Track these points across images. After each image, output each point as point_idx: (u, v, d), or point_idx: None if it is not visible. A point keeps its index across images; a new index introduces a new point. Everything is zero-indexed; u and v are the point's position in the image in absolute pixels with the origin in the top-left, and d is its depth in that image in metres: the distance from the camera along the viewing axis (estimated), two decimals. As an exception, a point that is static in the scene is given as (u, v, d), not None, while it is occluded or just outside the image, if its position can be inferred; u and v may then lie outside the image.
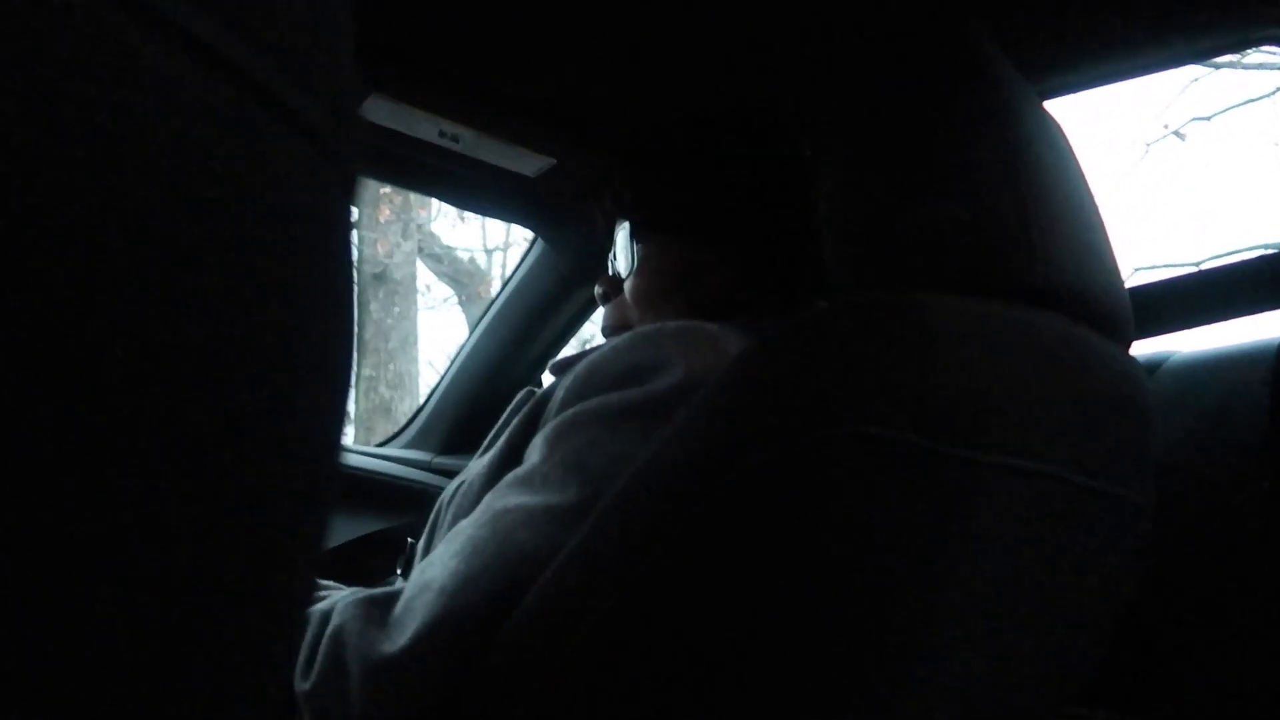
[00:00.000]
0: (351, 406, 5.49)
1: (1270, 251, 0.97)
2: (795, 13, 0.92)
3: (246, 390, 0.20)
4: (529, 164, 1.28)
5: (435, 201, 6.08)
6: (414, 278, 5.66)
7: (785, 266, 0.95)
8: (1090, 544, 0.67)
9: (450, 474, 1.72)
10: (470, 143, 1.21)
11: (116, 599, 0.17)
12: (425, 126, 1.16)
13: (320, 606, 0.73)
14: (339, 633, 0.68)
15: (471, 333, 1.76)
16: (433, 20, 0.96)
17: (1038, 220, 0.63)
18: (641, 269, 0.98)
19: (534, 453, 0.75)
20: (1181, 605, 0.90)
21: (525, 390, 0.96)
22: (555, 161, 1.27)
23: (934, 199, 0.64)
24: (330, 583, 0.89)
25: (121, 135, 0.15)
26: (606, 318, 1.03)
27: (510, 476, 0.75)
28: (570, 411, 0.75)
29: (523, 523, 0.70)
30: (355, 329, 0.26)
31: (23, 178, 0.14)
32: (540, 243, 1.58)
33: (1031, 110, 0.69)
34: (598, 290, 1.05)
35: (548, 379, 1.03)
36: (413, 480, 1.65)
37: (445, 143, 1.20)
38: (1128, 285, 0.74)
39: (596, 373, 0.77)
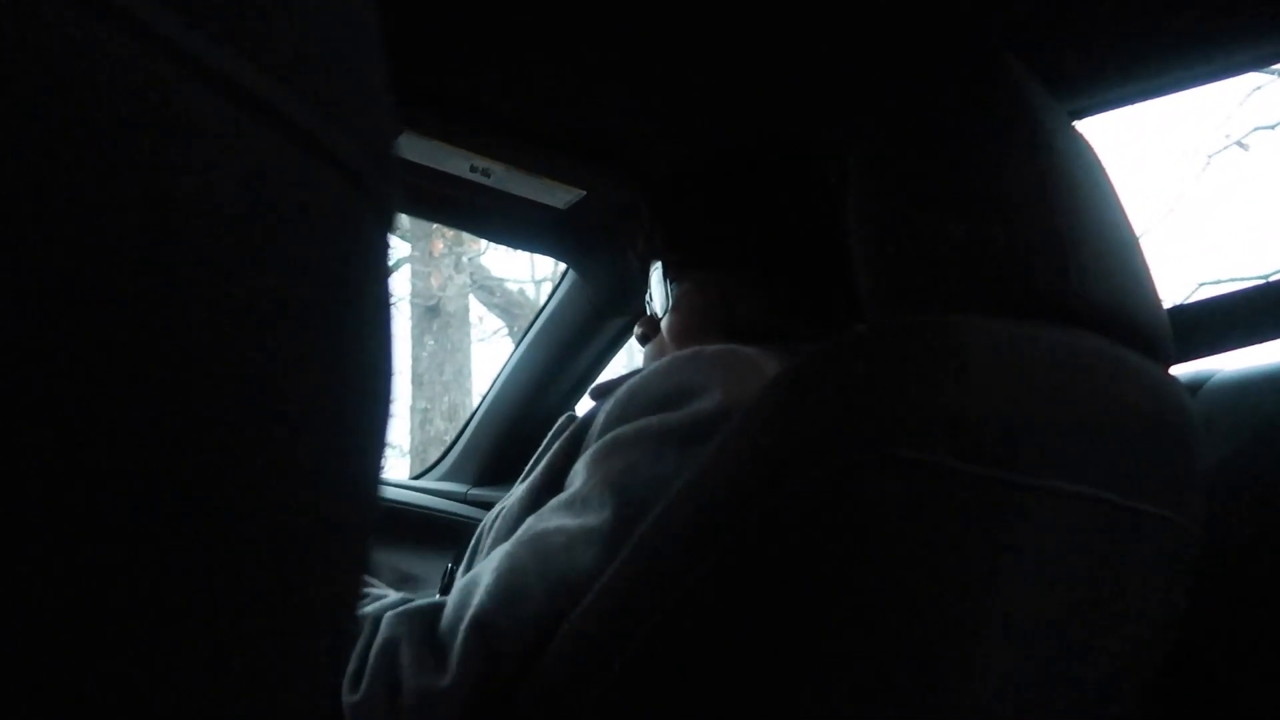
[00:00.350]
0: (406, 438, 5.54)
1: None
2: (826, 41, 0.93)
3: (288, 427, 0.20)
4: (559, 196, 1.29)
5: None
6: (466, 310, 5.72)
7: (819, 293, 0.95)
8: (1135, 566, 0.66)
9: (486, 505, 1.72)
10: (501, 177, 1.22)
11: (159, 631, 0.17)
12: (456, 162, 1.18)
13: (368, 610, 0.73)
14: (390, 649, 0.69)
15: (505, 365, 1.77)
16: (462, 59, 0.98)
17: (1070, 240, 0.63)
18: (677, 306, 0.99)
19: (575, 478, 0.77)
20: (1233, 629, 0.88)
21: (566, 416, 0.99)
22: (585, 193, 1.28)
23: (966, 221, 0.64)
24: (375, 582, 0.90)
25: (167, 182, 0.16)
26: (647, 357, 1.05)
27: (553, 501, 0.76)
28: (610, 435, 0.77)
29: (563, 545, 0.70)
30: (394, 365, 0.26)
31: (74, 230, 0.15)
32: (571, 274, 1.59)
33: (1062, 131, 0.69)
34: (637, 331, 1.06)
35: (587, 405, 1.04)
36: (449, 512, 1.66)
37: (476, 177, 1.22)
38: (1185, 302, 0.73)
39: (636, 396, 0.79)
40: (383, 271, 0.24)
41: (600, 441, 0.77)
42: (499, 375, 1.78)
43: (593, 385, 0.99)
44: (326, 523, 0.23)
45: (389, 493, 1.64)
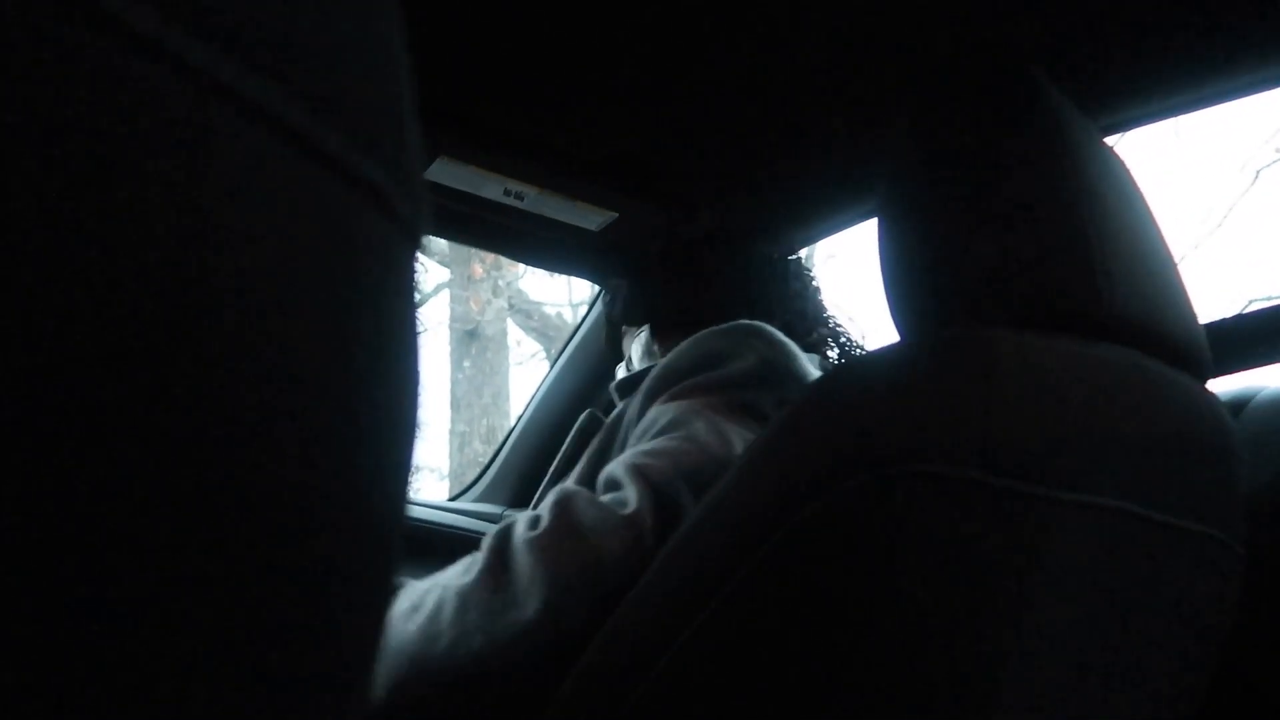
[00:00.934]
0: (445, 461, 5.58)
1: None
2: (856, 59, 0.93)
3: (314, 449, 0.20)
4: (592, 218, 1.30)
5: None
6: (505, 334, 5.79)
7: None
8: (1175, 583, 0.64)
9: (522, 526, 1.72)
10: (534, 200, 1.24)
11: (172, 661, 0.18)
12: (491, 186, 1.20)
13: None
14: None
15: (539, 386, 1.78)
16: (495, 86, 0.99)
17: (1101, 254, 0.62)
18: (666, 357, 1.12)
19: (641, 437, 0.85)
20: (1273, 651, 0.86)
21: (587, 413, 1.09)
22: (617, 215, 1.29)
23: (997, 236, 0.64)
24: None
25: (196, 209, 0.17)
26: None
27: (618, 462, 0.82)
28: (657, 402, 0.87)
29: (697, 442, 0.79)
30: (421, 389, 0.27)
31: (100, 254, 0.15)
32: (605, 295, 1.60)
33: (1092, 146, 0.69)
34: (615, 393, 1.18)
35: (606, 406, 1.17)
36: (485, 534, 1.66)
37: (510, 201, 1.23)
38: (1222, 317, 0.72)
39: (670, 368, 0.90)
40: (411, 296, 0.25)
41: (649, 413, 0.86)
42: (534, 396, 1.79)
43: (615, 382, 1.09)
44: (352, 545, 0.23)
45: (423, 514, 1.65)
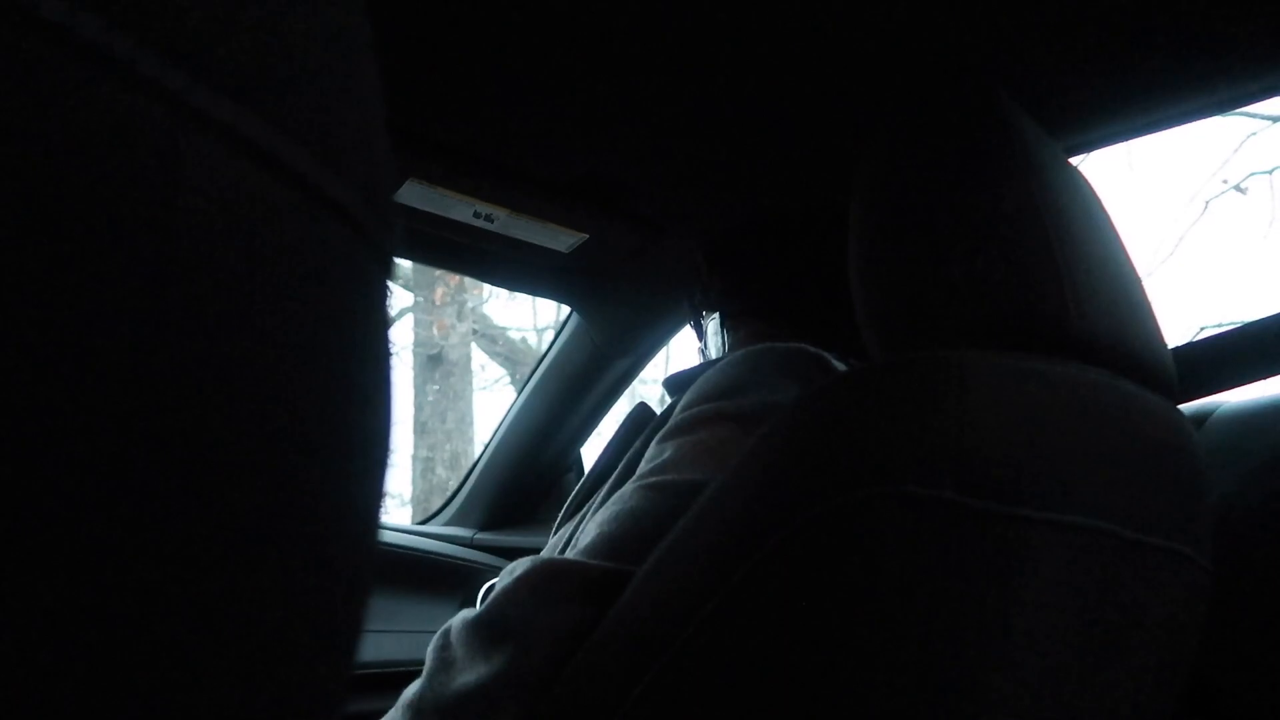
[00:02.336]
0: (408, 487, 5.54)
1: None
2: (823, 82, 0.94)
3: (284, 471, 0.20)
4: (562, 240, 1.31)
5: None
6: (469, 359, 5.77)
7: (851, 340, 1.06)
8: (1148, 600, 0.65)
9: (493, 550, 1.71)
10: (504, 222, 1.24)
11: (148, 680, 0.17)
12: (460, 208, 1.19)
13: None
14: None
15: (510, 409, 1.77)
16: (463, 107, 0.99)
17: (1069, 273, 0.63)
18: (734, 350, 1.09)
19: (659, 455, 0.83)
20: (1243, 661, 0.87)
21: (640, 404, 1.05)
22: (588, 237, 1.29)
23: (965, 257, 0.65)
24: None
25: (165, 229, 0.16)
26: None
27: (639, 474, 0.82)
28: (687, 414, 0.84)
29: (673, 491, 0.77)
30: (394, 411, 0.27)
31: (67, 269, 0.15)
32: (575, 317, 1.60)
33: (1057, 166, 0.70)
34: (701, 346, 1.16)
35: (645, 399, 1.16)
36: (454, 557, 1.65)
37: (480, 223, 1.23)
38: (1187, 342, 0.74)
39: (711, 383, 0.87)
40: (383, 318, 0.24)
41: (677, 421, 0.84)
42: (504, 419, 1.78)
43: (666, 378, 1.05)
44: (322, 568, 0.23)
45: (392, 538, 1.63)
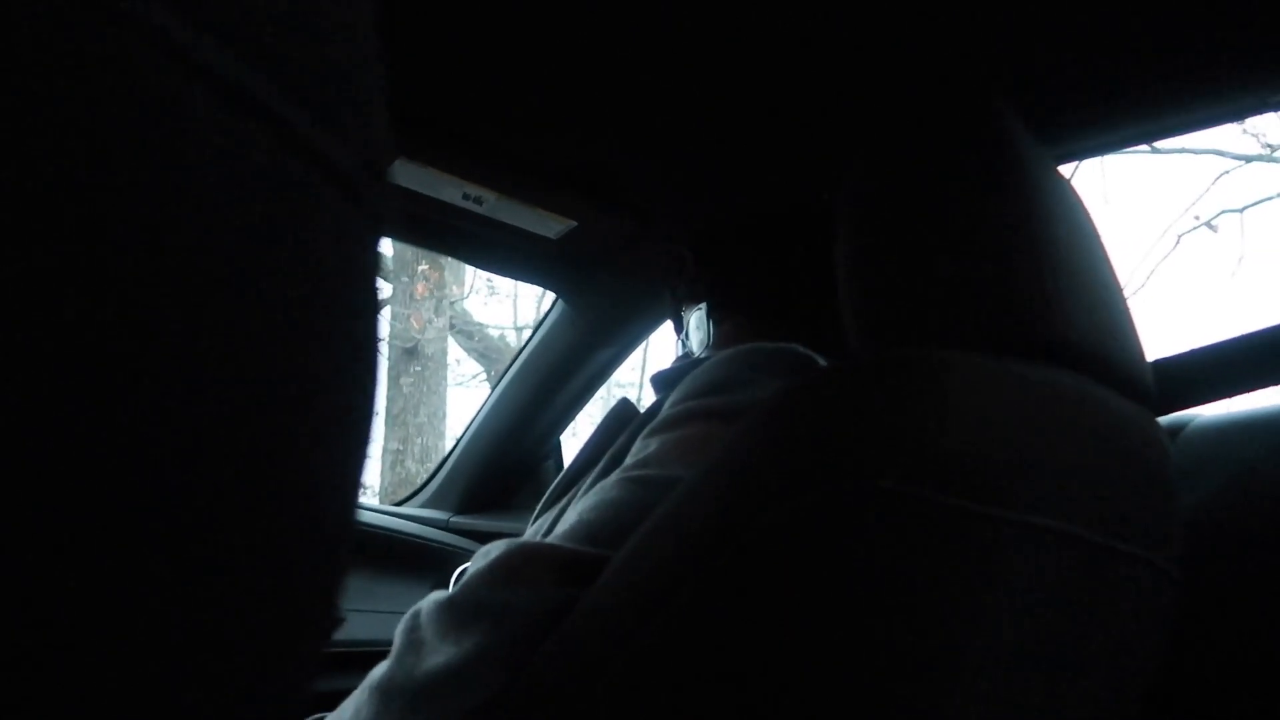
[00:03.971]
0: (377, 479, 5.54)
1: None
2: (818, 81, 0.94)
3: (265, 438, 0.20)
4: (551, 226, 1.30)
5: (468, 279, 6.22)
6: (445, 353, 5.77)
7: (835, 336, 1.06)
8: (1115, 606, 0.66)
9: (469, 534, 1.71)
10: (493, 205, 1.23)
11: (124, 652, 0.17)
12: (449, 190, 1.19)
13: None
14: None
15: (491, 392, 1.77)
16: (456, 87, 0.99)
17: (1054, 280, 0.64)
18: (718, 344, 1.09)
19: (643, 450, 0.83)
20: (1211, 671, 0.88)
21: (623, 400, 1.06)
22: (576, 224, 1.29)
23: (951, 259, 0.65)
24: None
25: (165, 183, 0.16)
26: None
27: (622, 468, 0.82)
28: (673, 411, 0.85)
29: (652, 486, 0.77)
30: (375, 382, 0.26)
31: (61, 222, 0.15)
32: (560, 304, 1.60)
33: (1046, 175, 0.70)
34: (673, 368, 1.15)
35: (638, 395, 1.15)
36: (430, 539, 1.65)
37: (469, 205, 1.23)
38: (1166, 355, 0.74)
39: (699, 380, 0.87)
40: (373, 284, 0.24)
41: (665, 416, 0.84)
42: (485, 402, 1.78)
43: (654, 374, 1.05)
44: (301, 537, 0.23)
45: (368, 517, 1.63)
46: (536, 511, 1.00)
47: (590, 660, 0.62)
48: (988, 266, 0.64)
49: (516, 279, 1.53)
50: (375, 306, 0.25)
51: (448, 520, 1.76)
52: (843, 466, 0.56)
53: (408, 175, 1.14)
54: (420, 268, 5.36)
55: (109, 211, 0.15)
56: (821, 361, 0.93)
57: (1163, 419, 0.99)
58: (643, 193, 1.23)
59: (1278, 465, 0.89)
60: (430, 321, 5.46)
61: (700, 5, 0.82)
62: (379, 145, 0.23)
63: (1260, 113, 1.00)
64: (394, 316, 5.61)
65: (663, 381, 1.02)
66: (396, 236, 1.46)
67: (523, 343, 1.73)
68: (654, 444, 0.82)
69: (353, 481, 0.26)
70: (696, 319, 1.12)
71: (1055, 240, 0.66)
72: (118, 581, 0.17)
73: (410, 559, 1.58)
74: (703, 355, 1.02)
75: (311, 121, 0.20)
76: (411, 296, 5.46)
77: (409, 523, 1.68)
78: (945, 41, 0.86)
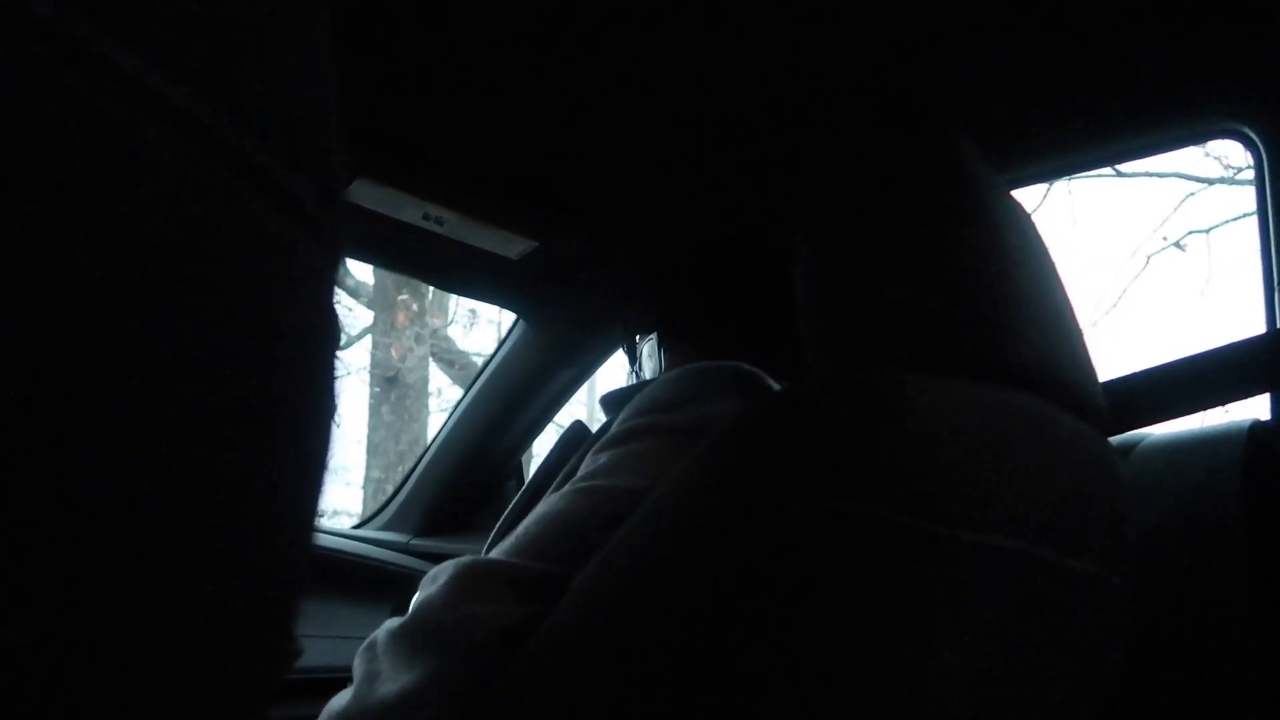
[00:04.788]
0: (359, 507, 5.50)
1: (1242, 339, 0.98)
2: (776, 107, 0.95)
3: (222, 461, 0.20)
4: (512, 246, 1.30)
5: (451, 307, 6.22)
6: (426, 381, 5.77)
7: (786, 365, 1.07)
8: (1069, 624, 0.67)
9: (430, 556, 1.69)
10: (454, 226, 1.23)
11: (87, 666, 0.17)
12: (410, 210, 1.18)
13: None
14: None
15: (451, 414, 1.75)
16: (417, 107, 0.99)
17: (1007, 303, 0.65)
18: (673, 349, 1.10)
19: (593, 463, 0.83)
20: (1161, 686, 0.90)
21: (576, 423, 1.05)
22: (538, 244, 1.29)
23: (907, 283, 0.66)
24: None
25: (118, 215, 0.16)
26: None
27: (575, 479, 0.83)
28: (623, 427, 0.84)
29: (601, 497, 0.77)
30: (334, 404, 0.26)
31: (16, 254, 0.15)
32: (521, 324, 1.59)
33: (1000, 199, 0.72)
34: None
35: (583, 418, 1.15)
36: (389, 562, 1.63)
37: (429, 225, 1.22)
38: (1115, 376, 0.76)
39: (649, 397, 0.87)
40: (330, 311, 0.24)
41: (615, 432, 0.84)
42: (445, 424, 1.76)
43: (603, 395, 1.05)
44: (256, 560, 0.23)
45: (326, 541, 1.60)
46: (492, 537, 0.99)
47: (552, 684, 0.62)
48: (943, 290, 0.65)
49: (477, 299, 1.52)
50: (333, 332, 0.25)
51: (408, 543, 1.74)
52: (800, 487, 0.56)
53: (368, 195, 1.14)
54: (400, 297, 5.38)
55: (63, 243, 0.15)
56: (769, 379, 0.94)
57: (1114, 439, 1.01)
58: (604, 214, 1.24)
59: (1224, 483, 0.91)
60: (411, 350, 5.47)
61: (659, 32, 0.83)
62: (335, 173, 0.23)
63: (1198, 143, 1.04)
64: (375, 345, 5.62)
65: (612, 402, 1.02)
66: (357, 257, 1.45)
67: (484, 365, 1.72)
68: (603, 458, 0.82)
69: (310, 505, 0.25)
70: (649, 348, 1.12)
71: (1009, 263, 0.67)
72: (67, 603, 0.17)
73: (370, 583, 1.56)
74: (654, 377, 1.02)
75: (267, 151, 0.20)
76: (393, 326, 5.47)
77: (368, 546, 1.66)
78: (901, 70, 0.88)
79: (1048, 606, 0.64)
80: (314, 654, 1.40)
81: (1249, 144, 0.96)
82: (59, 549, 0.16)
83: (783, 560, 0.56)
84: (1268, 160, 0.93)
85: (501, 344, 1.67)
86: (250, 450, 0.21)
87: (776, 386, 0.93)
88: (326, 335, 0.24)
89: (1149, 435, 1.03)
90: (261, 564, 0.22)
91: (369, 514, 1.88)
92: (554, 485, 0.91)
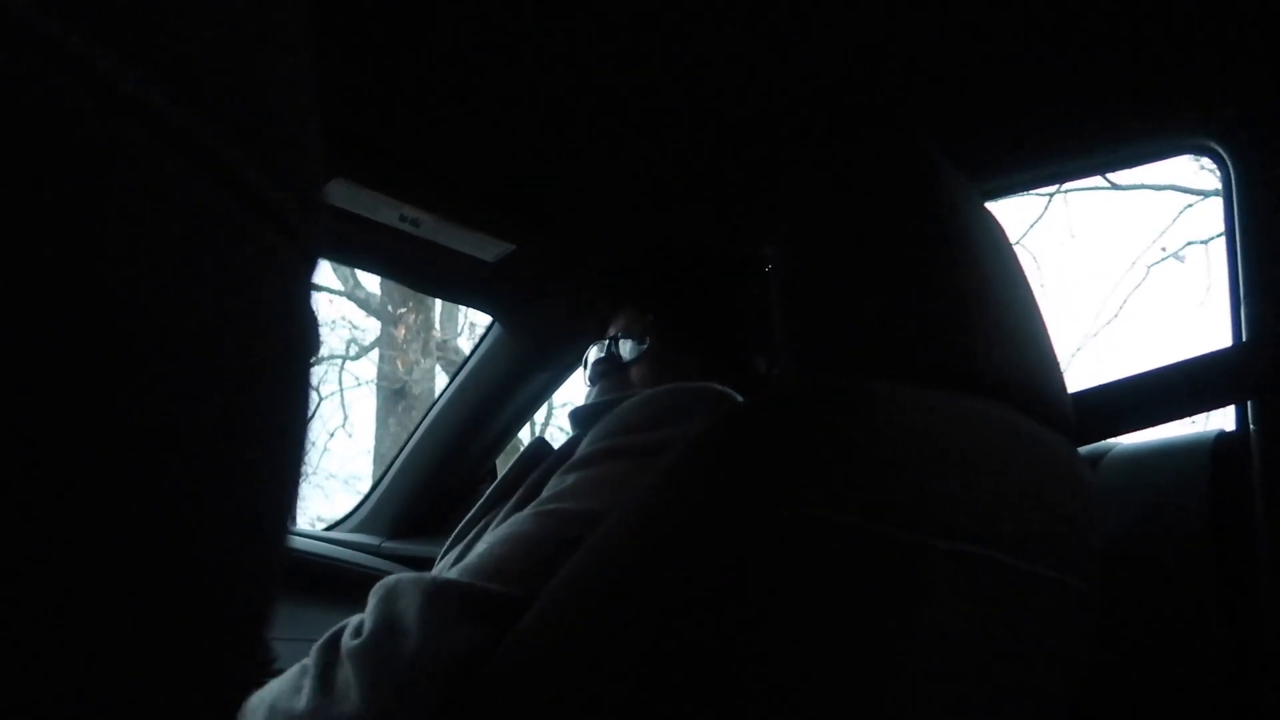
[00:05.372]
0: None
1: (1208, 352, 1.00)
2: (754, 115, 0.96)
3: (197, 466, 0.20)
4: (489, 249, 1.30)
5: (460, 319, 6.21)
6: (433, 393, 5.78)
7: (751, 360, 1.09)
8: (1038, 629, 0.68)
9: (402, 559, 1.68)
10: (431, 227, 1.22)
11: (62, 665, 0.17)
12: (386, 211, 1.18)
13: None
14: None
15: (425, 416, 1.75)
16: (395, 107, 0.98)
17: (979, 314, 0.66)
18: (641, 361, 1.10)
19: (560, 484, 0.82)
20: (1127, 691, 0.91)
21: (538, 439, 1.04)
22: (515, 247, 1.29)
23: (881, 294, 0.67)
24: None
25: (95, 219, 0.16)
26: (603, 391, 1.13)
27: (540, 499, 0.82)
28: (595, 448, 0.84)
29: (561, 520, 0.76)
30: (307, 412, 0.26)
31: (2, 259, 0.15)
32: (497, 327, 1.59)
33: (974, 211, 0.73)
34: (593, 371, 1.14)
35: (549, 434, 1.12)
36: (361, 565, 1.61)
37: (406, 227, 1.21)
38: (1085, 387, 0.77)
39: (621, 419, 0.87)
40: (307, 316, 0.24)
41: (584, 454, 0.84)
42: (418, 426, 1.75)
43: (572, 410, 1.04)
44: (231, 565, 0.22)
45: (296, 544, 1.59)
46: (446, 546, 0.98)
47: (520, 698, 0.61)
48: (916, 301, 0.65)
49: (453, 301, 1.52)
50: (309, 337, 0.25)
51: (379, 545, 1.73)
52: (775, 495, 0.57)
53: (344, 196, 1.13)
54: (400, 310, 5.39)
55: (39, 246, 0.15)
56: (740, 397, 0.93)
57: (1083, 448, 1.03)
58: (580, 217, 1.24)
59: (1190, 492, 0.93)
60: (418, 362, 5.47)
61: (641, 38, 0.83)
62: (313, 177, 0.23)
63: (1169, 156, 1.06)
64: (381, 358, 5.63)
65: (580, 418, 1.01)
66: (332, 258, 1.44)
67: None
68: (571, 479, 0.82)
69: (285, 509, 0.25)
70: (605, 357, 1.13)
71: (981, 276, 0.68)
72: (39, 606, 0.17)
73: (341, 585, 1.54)
74: (624, 394, 1.00)
75: (244, 156, 0.19)
76: (396, 339, 5.48)
77: (340, 548, 1.64)
78: (876, 82, 0.89)
79: (1016, 612, 0.65)
80: (283, 656, 1.39)
81: (1219, 161, 0.98)
82: (32, 553, 0.16)
83: (755, 567, 0.56)
84: (1235, 177, 0.95)
85: (476, 348, 1.66)
86: (225, 454, 0.21)
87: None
88: (303, 340, 0.23)
89: (1117, 445, 1.04)
90: (236, 569, 0.22)
91: (342, 516, 1.86)
92: (513, 501, 0.90)
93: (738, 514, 0.57)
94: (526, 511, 0.79)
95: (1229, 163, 0.96)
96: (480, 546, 0.78)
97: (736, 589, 0.57)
